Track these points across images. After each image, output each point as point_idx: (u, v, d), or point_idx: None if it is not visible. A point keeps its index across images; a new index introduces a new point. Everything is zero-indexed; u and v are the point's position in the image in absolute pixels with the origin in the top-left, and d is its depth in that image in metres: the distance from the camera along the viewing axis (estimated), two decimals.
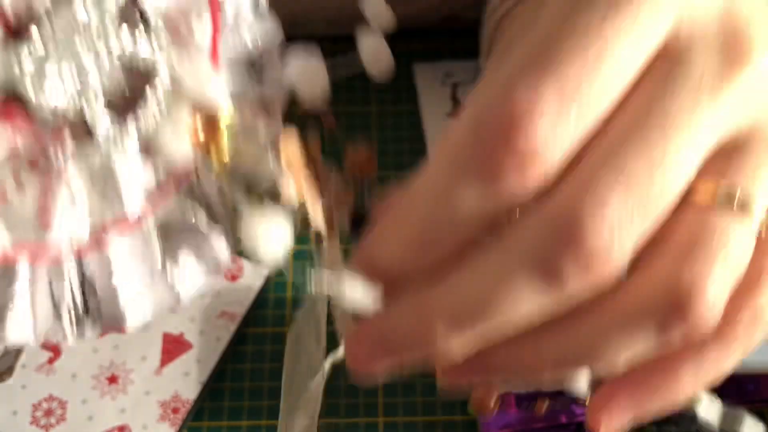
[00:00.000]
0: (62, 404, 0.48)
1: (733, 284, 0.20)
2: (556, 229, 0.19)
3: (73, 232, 0.25)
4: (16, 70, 0.23)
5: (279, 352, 0.51)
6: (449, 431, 0.49)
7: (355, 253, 0.23)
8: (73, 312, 0.26)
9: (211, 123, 0.24)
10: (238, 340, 0.51)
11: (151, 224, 0.26)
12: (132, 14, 0.25)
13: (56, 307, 0.26)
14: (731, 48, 0.20)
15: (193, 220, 0.25)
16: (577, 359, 0.21)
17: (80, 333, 0.26)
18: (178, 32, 0.26)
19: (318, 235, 0.24)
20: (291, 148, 0.23)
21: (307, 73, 0.26)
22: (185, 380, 0.49)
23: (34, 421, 0.47)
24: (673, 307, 0.19)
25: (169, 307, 0.26)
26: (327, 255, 0.24)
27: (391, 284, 0.22)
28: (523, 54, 0.20)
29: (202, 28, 0.26)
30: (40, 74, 0.24)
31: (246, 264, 0.53)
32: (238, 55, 0.28)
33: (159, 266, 0.26)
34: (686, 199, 0.20)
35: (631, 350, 0.20)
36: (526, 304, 0.19)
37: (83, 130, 0.25)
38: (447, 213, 0.20)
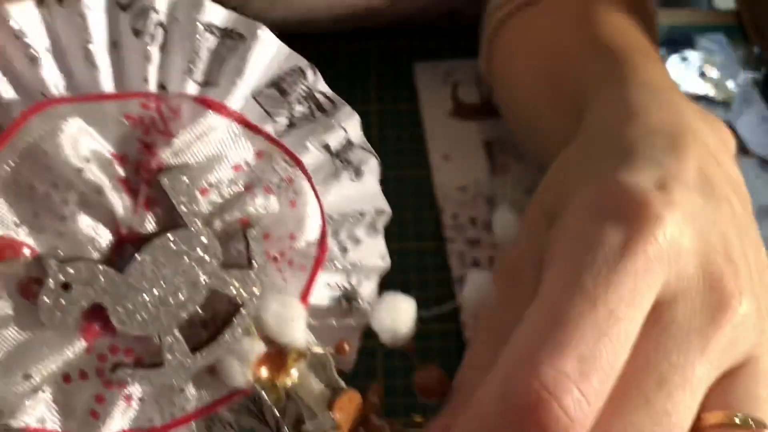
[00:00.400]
0: None
1: None
2: None
3: None
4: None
5: None
6: None
7: None
8: None
9: (279, 358, 0.26)
10: None
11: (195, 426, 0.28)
12: (238, 257, 0.27)
13: None
14: (712, 302, 0.23)
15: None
16: None
17: None
18: (279, 274, 0.28)
19: None
20: (347, 405, 0.25)
21: (396, 313, 0.29)
22: None
23: None
24: None
25: None
26: None
27: None
28: (539, 324, 0.22)
29: (303, 276, 0.29)
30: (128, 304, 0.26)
31: None
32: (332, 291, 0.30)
33: None
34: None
35: None
36: None
37: (153, 351, 0.27)
38: None
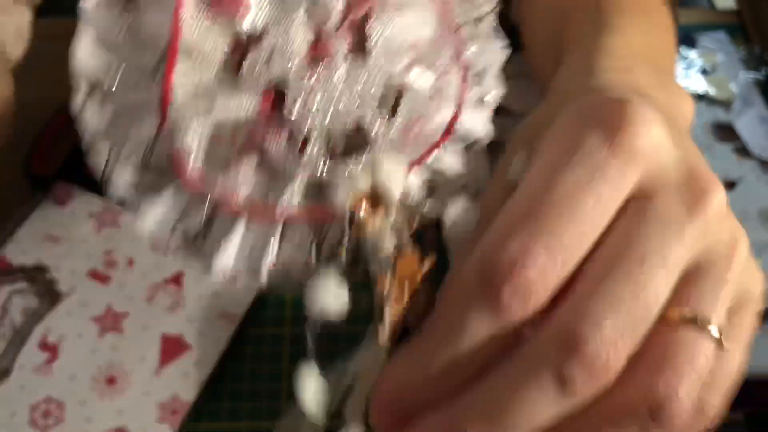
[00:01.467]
0: (60, 405, 0.47)
1: (699, 386, 0.24)
2: (564, 345, 0.23)
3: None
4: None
5: (278, 354, 0.51)
6: None
7: (379, 388, 0.26)
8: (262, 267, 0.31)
9: (376, 203, 0.28)
10: (237, 340, 0.51)
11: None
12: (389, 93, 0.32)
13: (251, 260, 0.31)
14: (691, 191, 0.25)
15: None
16: None
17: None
18: (409, 132, 0.33)
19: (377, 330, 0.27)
20: (406, 265, 0.28)
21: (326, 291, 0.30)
22: (184, 381, 0.48)
23: (33, 422, 0.47)
24: (652, 412, 0.24)
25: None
26: (374, 352, 0.27)
27: (405, 416, 0.25)
28: (516, 207, 0.25)
29: (421, 150, 0.33)
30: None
31: None
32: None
33: None
34: (661, 318, 0.24)
35: None
36: (541, 407, 0.23)
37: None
38: (465, 340, 0.24)
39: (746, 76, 0.63)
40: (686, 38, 0.65)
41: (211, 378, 0.49)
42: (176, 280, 0.52)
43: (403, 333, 0.27)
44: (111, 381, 0.48)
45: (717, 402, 0.25)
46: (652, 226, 0.24)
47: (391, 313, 0.26)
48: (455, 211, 0.32)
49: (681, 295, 0.25)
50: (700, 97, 0.61)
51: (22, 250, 0.53)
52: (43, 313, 0.51)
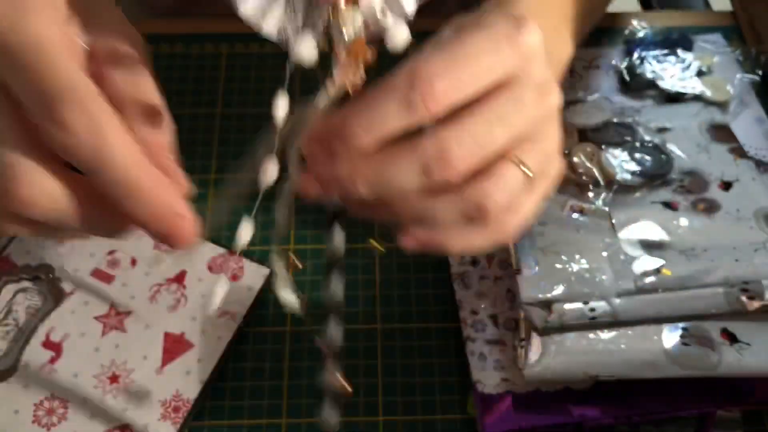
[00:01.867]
0: (64, 403, 0.48)
1: (509, 197, 0.35)
2: (413, 96, 0.32)
3: None
4: None
5: (279, 352, 0.52)
6: (448, 430, 0.49)
7: (316, 129, 0.34)
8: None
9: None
10: (238, 339, 0.51)
11: None
12: None
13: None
14: (543, 89, 0.35)
15: None
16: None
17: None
18: None
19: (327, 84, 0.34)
20: (361, 44, 0.34)
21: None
22: (186, 379, 0.49)
23: (36, 420, 0.47)
24: (473, 202, 0.34)
25: None
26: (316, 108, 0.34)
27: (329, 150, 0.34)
28: (442, 47, 0.34)
29: None
30: None
31: (247, 264, 0.53)
32: None
33: None
34: (497, 155, 0.34)
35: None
36: (393, 120, 0.33)
37: None
38: (384, 118, 0.33)
39: (742, 78, 0.64)
40: (683, 40, 0.66)
41: (212, 376, 0.49)
42: (178, 279, 0.53)
43: (343, 99, 0.34)
44: (114, 379, 0.49)
45: (521, 212, 0.36)
46: (512, 100, 0.34)
47: (340, 77, 0.34)
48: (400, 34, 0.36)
49: (516, 148, 0.35)
50: (696, 99, 0.62)
51: (26, 250, 0.53)
52: (47, 311, 0.51)
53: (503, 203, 0.35)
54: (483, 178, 0.34)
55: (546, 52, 0.36)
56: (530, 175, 0.35)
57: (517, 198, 0.35)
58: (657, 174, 0.55)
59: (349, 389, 0.38)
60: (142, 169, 0.32)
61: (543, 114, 0.36)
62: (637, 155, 0.56)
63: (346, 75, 0.34)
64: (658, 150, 0.56)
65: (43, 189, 0.31)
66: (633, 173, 0.55)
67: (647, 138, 0.57)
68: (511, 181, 0.35)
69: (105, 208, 0.33)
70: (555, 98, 0.36)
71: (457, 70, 0.33)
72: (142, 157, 0.32)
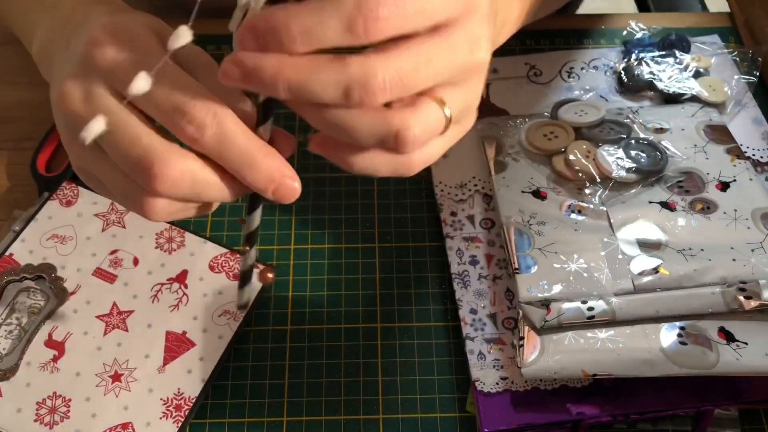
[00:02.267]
0: (66, 402, 0.48)
1: (428, 132, 0.35)
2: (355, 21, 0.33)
3: None
4: None
5: (280, 350, 0.52)
6: (447, 428, 0.49)
7: (251, 20, 0.34)
8: None
9: None
10: (240, 338, 0.52)
11: None
12: None
13: None
14: (473, 42, 0.35)
15: None
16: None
17: None
18: None
19: None
20: None
21: None
22: (188, 378, 0.49)
23: (38, 418, 0.48)
24: (391, 131, 0.34)
25: None
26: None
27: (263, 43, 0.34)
28: None
29: None
30: None
31: None
32: None
33: None
34: (423, 91, 0.35)
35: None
36: (331, 36, 0.33)
37: None
38: (324, 35, 0.33)
39: (739, 79, 0.64)
40: (680, 41, 0.66)
41: (214, 374, 0.50)
42: (180, 278, 0.53)
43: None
44: (116, 378, 0.49)
45: (430, 152, 0.37)
46: (444, 45, 0.34)
47: None
48: None
49: (439, 91, 0.35)
50: (694, 99, 0.62)
51: (29, 250, 0.54)
52: (50, 311, 0.51)
53: (421, 138, 0.35)
54: (407, 109, 0.35)
55: (492, 11, 0.37)
56: (449, 117, 0.36)
57: (432, 137, 0.36)
58: (652, 170, 0.55)
59: (270, 276, 0.44)
60: (254, 143, 0.36)
61: (471, 66, 0.36)
62: (633, 152, 0.56)
63: None
64: (653, 147, 0.57)
65: (185, 168, 0.36)
66: (629, 170, 0.55)
67: (642, 135, 0.58)
68: (432, 119, 0.35)
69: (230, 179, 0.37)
70: (484, 54, 0.37)
71: (406, 4, 0.33)
72: (252, 134, 0.36)
